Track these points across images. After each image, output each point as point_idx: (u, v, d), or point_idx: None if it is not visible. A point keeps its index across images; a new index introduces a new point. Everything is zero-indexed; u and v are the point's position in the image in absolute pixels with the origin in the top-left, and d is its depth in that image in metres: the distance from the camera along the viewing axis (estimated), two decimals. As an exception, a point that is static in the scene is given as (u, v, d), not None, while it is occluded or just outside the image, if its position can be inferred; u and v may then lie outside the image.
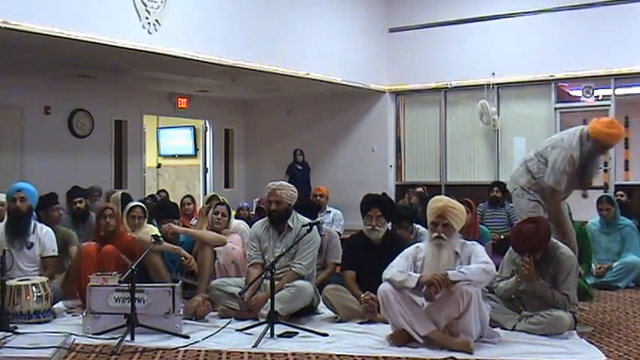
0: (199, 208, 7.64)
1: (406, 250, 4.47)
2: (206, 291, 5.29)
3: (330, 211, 8.48)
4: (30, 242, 5.44)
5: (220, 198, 7.22)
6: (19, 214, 5.41)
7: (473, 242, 4.48)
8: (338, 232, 6.95)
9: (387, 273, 4.31)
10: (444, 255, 4.28)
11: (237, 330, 4.68)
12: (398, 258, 4.41)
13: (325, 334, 4.52)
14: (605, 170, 11.25)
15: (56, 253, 5.56)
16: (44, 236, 5.51)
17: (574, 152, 4.93)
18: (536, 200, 5.06)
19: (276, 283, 4.71)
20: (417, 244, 4.53)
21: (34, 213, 5.81)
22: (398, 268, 4.31)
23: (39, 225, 5.58)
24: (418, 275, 4.20)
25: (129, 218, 6.20)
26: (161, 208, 6.23)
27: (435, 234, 4.32)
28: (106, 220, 5.66)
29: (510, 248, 4.85)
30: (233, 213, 8.10)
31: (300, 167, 13.06)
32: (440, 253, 4.29)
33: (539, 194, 5.06)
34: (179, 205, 9.49)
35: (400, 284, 4.21)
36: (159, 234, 5.43)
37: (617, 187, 10.04)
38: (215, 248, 5.67)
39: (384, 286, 4.28)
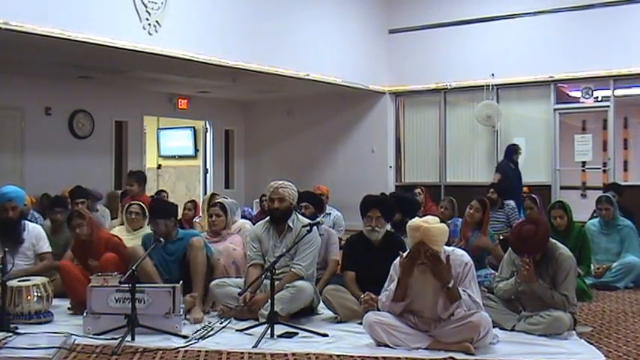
0: (203, 206, 7.37)
1: (391, 271, 4.38)
2: (204, 291, 5.27)
3: (330, 213, 7.98)
4: (22, 239, 5.70)
5: (216, 196, 7.00)
6: (12, 222, 5.66)
7: (462, 255, 4.27)
8: (339, 238, 6.49)
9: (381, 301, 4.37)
10: (428, 279, 4.19)
11: (237, 330, 4.69)
12: (388, 280, 4.37)
13: (325, 335, 4.53)
14: (605, 171, 11.27)
15: (50, 249, 5.83)
16: (36, 235, 5.80)
17: None
18: None
19: (276, 283, 4.71)
20: (397, 261, 4.34)
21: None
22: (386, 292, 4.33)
23: (29, 224, 5.86)
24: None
25: (127, 214, 6.23)
26: (156, 209, 5.47)
27: (419, 261, 4.16)
28: (75, 231, 5.49)
29: (510, 249, 4.86)
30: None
31: (513, 166, 11.01)
32: (425, 278, 4.19)
33: None
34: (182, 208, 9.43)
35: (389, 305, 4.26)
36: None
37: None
38: (217, 249, 5.68)
39: (368, 318, 4.29)
